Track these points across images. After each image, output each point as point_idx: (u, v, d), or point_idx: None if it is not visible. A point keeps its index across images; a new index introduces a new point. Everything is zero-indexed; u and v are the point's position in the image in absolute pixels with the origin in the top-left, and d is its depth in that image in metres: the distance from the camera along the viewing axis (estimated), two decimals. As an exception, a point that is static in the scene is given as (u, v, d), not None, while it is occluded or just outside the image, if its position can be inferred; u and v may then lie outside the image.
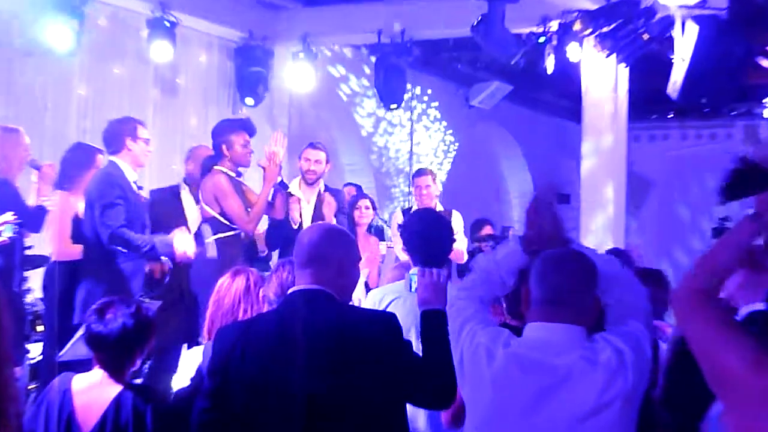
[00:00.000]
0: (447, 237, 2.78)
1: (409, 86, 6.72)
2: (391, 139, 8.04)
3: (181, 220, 4.27)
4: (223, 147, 4.21)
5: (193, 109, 6.25)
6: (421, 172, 5.20)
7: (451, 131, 8.83)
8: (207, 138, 4.50)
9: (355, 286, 2.09)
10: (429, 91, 8.31)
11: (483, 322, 1.94)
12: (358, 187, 6.02)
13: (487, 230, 6.04)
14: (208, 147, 4.41)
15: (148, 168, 4.69)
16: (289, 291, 2.05)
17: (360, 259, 2.09)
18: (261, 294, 2.48)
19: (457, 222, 5.16)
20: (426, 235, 2.73)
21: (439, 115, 8.60)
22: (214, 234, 4.10)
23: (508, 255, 2.01)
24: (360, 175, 7.57)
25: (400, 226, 2.93)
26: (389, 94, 6.41)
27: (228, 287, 2.57)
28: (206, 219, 4.22)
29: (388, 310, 2.64)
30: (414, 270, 2.57)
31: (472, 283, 2.03)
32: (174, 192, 4.55)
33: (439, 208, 5.12)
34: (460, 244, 4.97)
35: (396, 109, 6.56)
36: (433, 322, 2.04)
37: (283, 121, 6.70)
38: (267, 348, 1.95)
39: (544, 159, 10.21)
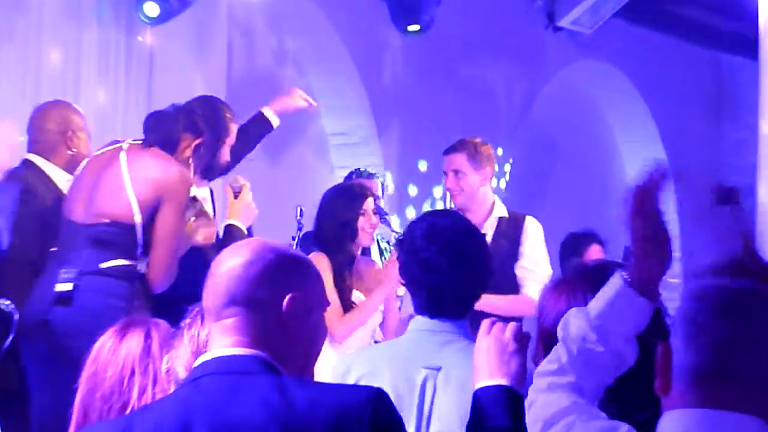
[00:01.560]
0: (477, 268, 2.87)
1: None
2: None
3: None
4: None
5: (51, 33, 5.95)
6: (455, 147, 5.19)
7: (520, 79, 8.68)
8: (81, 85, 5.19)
9: (319, 351, 2.12)
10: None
11: (586, 413, 1.94)
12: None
13: (594, 252, 5.95)
14: (71, 106, 4.78)
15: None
16: (197, 361, 2.06)
17: (327, 303, 2.12)
18: (165, 365, 2.52)
19: (534, 238, 5.13)
20: (432, 264, 2.81)
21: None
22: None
23: (614, 306, 1.99)
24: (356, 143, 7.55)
25: (397, 242, 3.18)
26: (405, 7, 6.71)
27: (112, 352, 2.63)
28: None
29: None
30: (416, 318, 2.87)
31: (563, 366, 2.02)
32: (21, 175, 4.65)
33: (499, 212, 5.16)
34: (536, 283, 4.93)
35: (417, 33, 6.77)
36: (495, 406, 2.18)
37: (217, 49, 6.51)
38: None
39: (688, 125, 9.91)
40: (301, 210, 5.16)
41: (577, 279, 2.26)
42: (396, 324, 4.84)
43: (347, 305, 4.69)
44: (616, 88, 9.57)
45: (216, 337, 2.05)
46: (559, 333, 2.06)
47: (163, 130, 4.45)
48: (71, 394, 2.77)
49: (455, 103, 7.62)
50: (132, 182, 4.26)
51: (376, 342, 4.73)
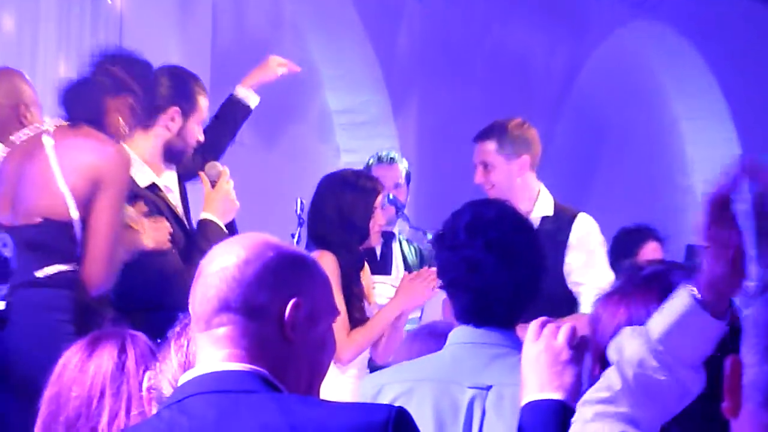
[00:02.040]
0: (530, 267, 2.93)
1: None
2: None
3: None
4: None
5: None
6: (482, 134, 5.21)
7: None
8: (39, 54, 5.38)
9: (326, 369, 2.13)
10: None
11: None
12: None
13: (650, 251, 6.06)
14: (22, 76, 4.80)
15: None
16: (181, 379, 2.08)
17: (336, 311, 2.14)
18: (147, 382, 2.53)
19: (588, 236, 5.14)
20: (477, 262, 2.87)
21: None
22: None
23: (682, 327, 1.96)
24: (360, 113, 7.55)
25: (436, 237, 3.11)
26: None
27: (79, 369, 2.66)
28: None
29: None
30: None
31: (616, 394, 2.01)
32: None
33: (543, 208, 5.17)
34: (592, 284, 4.95)
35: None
36: (546, 425, 2.17)
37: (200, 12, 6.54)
38: None
39: (764, 99, 9.59)
40: (301, 202, 5.14)
41: (639, 286, 2.24)
42: (398, 345, 4.84)
43: (357, 317, 4.67)
44: (677, 55, 9.44)
45: (205, 350, 2.04)
46: (612, 355, 2.05)
47: (85, 102, 4.38)
48: (24, 429, 2.77)
49: (484, 76, 7.58)
50: (63, 172, 4.19)
51: (370, 359, 4.77)
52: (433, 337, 3.24)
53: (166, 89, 4.57)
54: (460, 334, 2.88)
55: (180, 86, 4.64)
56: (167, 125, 4.62)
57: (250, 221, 4.69)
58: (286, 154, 7.03)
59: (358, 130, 7.48)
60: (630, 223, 6.19)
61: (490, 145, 5.10)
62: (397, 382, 2.93)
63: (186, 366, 2.36)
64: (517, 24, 7.97)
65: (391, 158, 5.76)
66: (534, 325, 2.31)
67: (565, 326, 2.29)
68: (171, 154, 4.67)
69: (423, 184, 7.29)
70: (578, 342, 2.26)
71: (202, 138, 4.64)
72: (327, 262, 4.45)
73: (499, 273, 2.87)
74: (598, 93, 8.81)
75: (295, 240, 5.09)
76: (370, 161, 5.74)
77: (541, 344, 2.27)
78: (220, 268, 2.05)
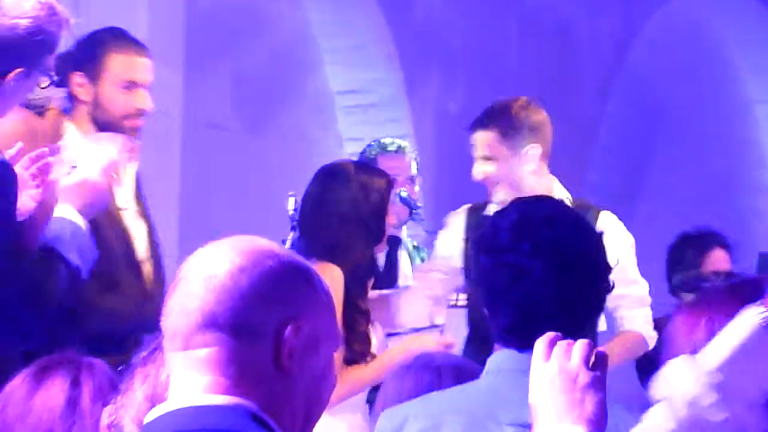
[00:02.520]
0: (589, 277, 3.00)
1: None
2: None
3: None
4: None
5: None
6: (480, 122, 5.35)
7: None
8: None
9: (323, 408, 2.17)
10: None
11: None
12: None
13: (715, 260, 6.24)
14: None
15: None
16: (151, 414, 2.07)
17: (338, 340, 2.18)
18: (106, 419, 2.55)
19: (617, 244, 5.04)
20: (523, 270, 2.95)
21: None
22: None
23: (748, 356, 2.09)
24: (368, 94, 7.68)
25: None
26: None
27: (23, 405, 2.74)
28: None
29: None
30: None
31: None
32: None
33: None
34: (637, 308, 5.24)
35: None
36: None
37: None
38: None
39: None
40: (296, 201, 5.17)
41: (723, 297, 2.32)
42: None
43: (357, 350, 4.62)
44: (750, 24, 9.50)
45: (180, 375, 2.05)
46: (660, 390, 2.16)
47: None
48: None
49: (518, 49, 7.68)
50: None
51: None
52: (428, 371, 3.32)
53: (66, 56, 4.61)
54: (500, 359, 2.91)
55: (81, 48, 4.71)
56: (77, 93, 4.75)
57: (231, 222, 4.62)
58: (277, 142, 7.06)
59: (365, 115, 7.55)
60: (691, 227, 6.26)
61: (491, 135, 5.17)
62: (422, 415, 2.97)
63: (154, 399, 2.35)
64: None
65: (399, 147, 5.79)
66: (541, 343, 2.29)
67: (579, 344, 2.25)
68: (101, 128, 4.71)
69: (441, 179, 7.38)
70: (597, 359, 2.22)
71: (145, 105, 4.68)
72: (331, 277, 4.43)
73: (548, 283, 2.90)
74: (653, 69, 8.90)
75: (288, 247, 4.83)
76: (371, 151, 5.76)
77: (553, 366, 2.25)
78: (207, 275, 2.05)
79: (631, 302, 5.06)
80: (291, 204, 5.13)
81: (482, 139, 5.21)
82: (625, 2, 8.63)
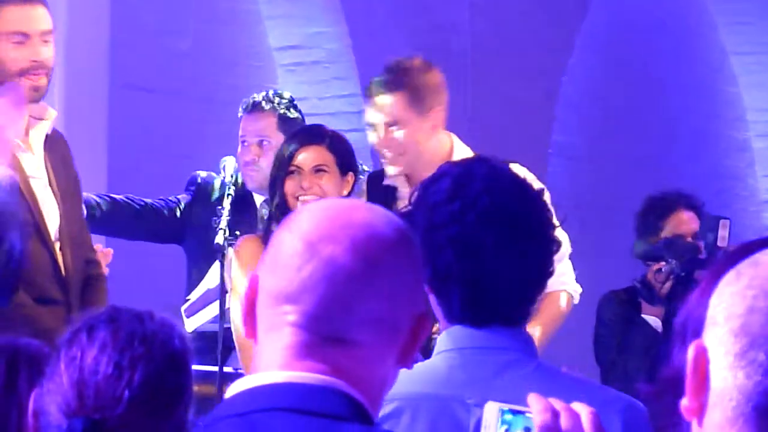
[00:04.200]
0: (539, 244, 3.04)
1: None
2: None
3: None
4: None
5: None
6: (383, 84, 5.43)
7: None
8: None
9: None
10: None
11: None
12: None
13: (681, 221, 6.45)
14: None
15: None
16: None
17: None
18: (31, 404, 2.64)
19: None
20: (470, 242, 2.97)
21: None
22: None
23: None
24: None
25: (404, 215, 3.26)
26: None
27: None
28: None
29: None
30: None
31: None
32: None
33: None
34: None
35: None
36: None
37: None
38: None
39: None
40: (231, 167, 5.36)
41: (723, 264, 2.07)
42: None
43: None
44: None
45: (271, 343, 2.04)
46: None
47: None
48: None
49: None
50: None
51: None
52: None
53: None
54: (456, 337, 2.91)
55: None
56: None
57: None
58: (209, 104, 7.05)
59: (309, 73, 7.60)
60: (658, 190, 6.40)
61: (398, 98, 5.24)
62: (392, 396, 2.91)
63: (80, 385, 2.42)
64: None
65: (255, 103, 5.77)
66: (536, 404, 2.08)
67: (586, 414, 2.03)
68: None
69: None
70: None
71: (39, 56, 4.72)
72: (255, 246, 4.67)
73: (502, 253, 2.92)
74: (619, 20, 8.90)
75: (225, 219, 5.15)
76: (240, 113, 5.78)
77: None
78: (328, 255, 2.04)
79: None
80: (224, 168, 5.38)
81: (387, 104, 5.30)
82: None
